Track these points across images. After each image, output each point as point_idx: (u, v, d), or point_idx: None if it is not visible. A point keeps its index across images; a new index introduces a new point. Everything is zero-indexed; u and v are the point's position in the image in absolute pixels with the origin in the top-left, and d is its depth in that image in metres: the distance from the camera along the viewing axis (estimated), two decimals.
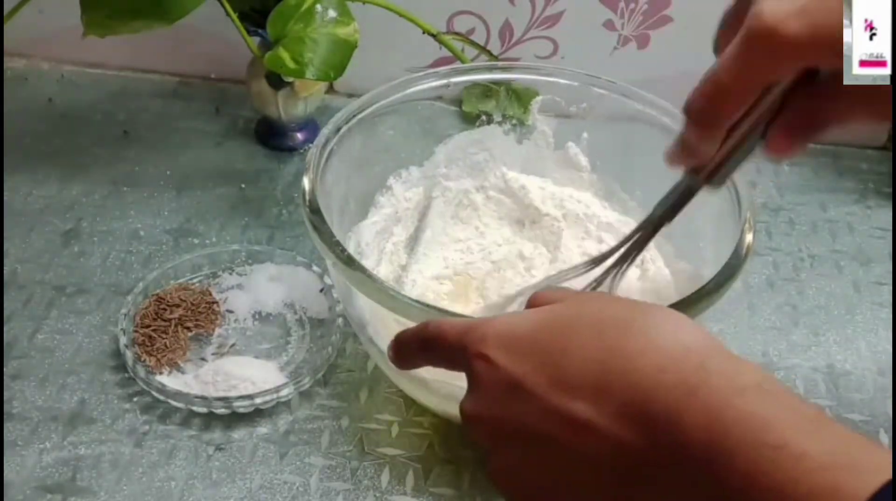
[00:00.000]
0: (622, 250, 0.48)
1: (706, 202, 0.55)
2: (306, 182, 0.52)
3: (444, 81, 0.61)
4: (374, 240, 0.61)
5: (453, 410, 0.52)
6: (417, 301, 0.45)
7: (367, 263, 0.57)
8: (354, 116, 0.57)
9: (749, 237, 0.50)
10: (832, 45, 0.35)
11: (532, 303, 0.38)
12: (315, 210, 0.51)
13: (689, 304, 0.46)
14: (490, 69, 0.67)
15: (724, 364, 0.31)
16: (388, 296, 0.46)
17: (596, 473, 0.32)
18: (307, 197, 0.51)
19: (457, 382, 0.47)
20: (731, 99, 0.38)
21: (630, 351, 0.31)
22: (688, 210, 0.59)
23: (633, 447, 0.30)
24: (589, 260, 0.50)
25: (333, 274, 0.55)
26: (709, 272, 0.49)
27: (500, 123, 0.65)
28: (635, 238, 0.48)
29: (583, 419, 0.31)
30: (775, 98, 0.39)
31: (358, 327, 0.55)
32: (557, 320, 0.34)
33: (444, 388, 0.51)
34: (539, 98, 0.63)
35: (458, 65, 0.72)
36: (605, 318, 0.33)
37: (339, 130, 0.56)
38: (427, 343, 0.38)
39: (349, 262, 0.48)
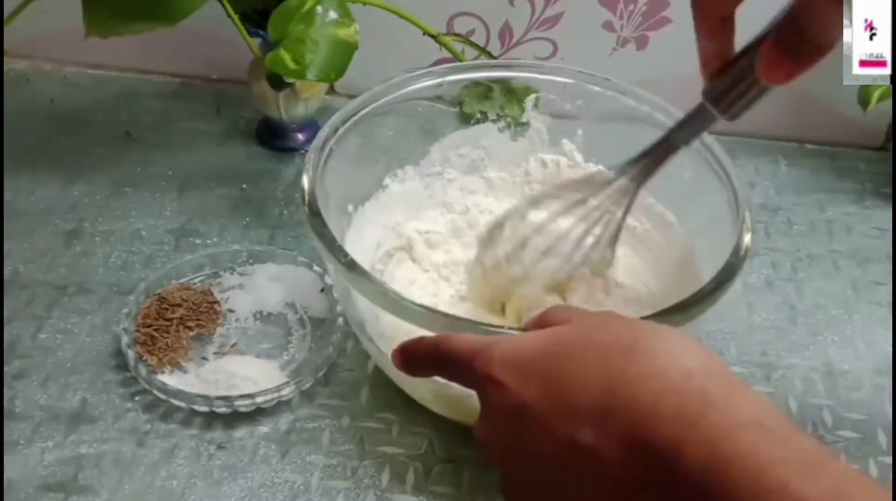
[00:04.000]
0: (633, 169, 0.48)
1: (705, 203, 0.56)
2: (306, 184, 0.52)
3: (438, 80, 0.61)
4: (373, 241, 0.62)
5: (453, 410, 0.53)
6: (418, 304, 0.46)
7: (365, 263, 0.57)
8: (351, 116, 0.57)
9: (747, 238, 0.50)
10: None
11: (540, 322, 0.38)
12: (315, 213, 0.51)
13: (689, 305, 0.46)
14: (486, 67, 0.67)
15: (724, 393, 0.31)
16: (389, 299, 0.46)
17: (601, 498, 0.32)
18: (307, 199, 0.51)
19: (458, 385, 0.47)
20: None
21: (632, 377, 0.32)
22: (689, 211, 0.59)
23: (635, 475, 0.31)
24: (600, 175, 0.50)
25: (333, 276, 0.55)
26: (708, 273, 0.49)
27: (494, 121, 0.65)
28: (646, 158, 0.48)
29: (586, 445, 0.31)
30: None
31: (358, 327, 0.55)
32: (563, 342, 0.35)
33: (445, 390, 0.51)
34: (534, 96, 0.63)
35: (454, 63, 0.72)
36: (609, 341, 0.33)
37: (336, 131, 0.56)
38: (441, 360, 0.39)
39: (350, 265, 0.48)
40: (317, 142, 0.55)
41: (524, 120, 0.64)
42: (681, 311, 0.45)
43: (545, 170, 0.65)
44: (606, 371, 0.32)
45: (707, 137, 0.56)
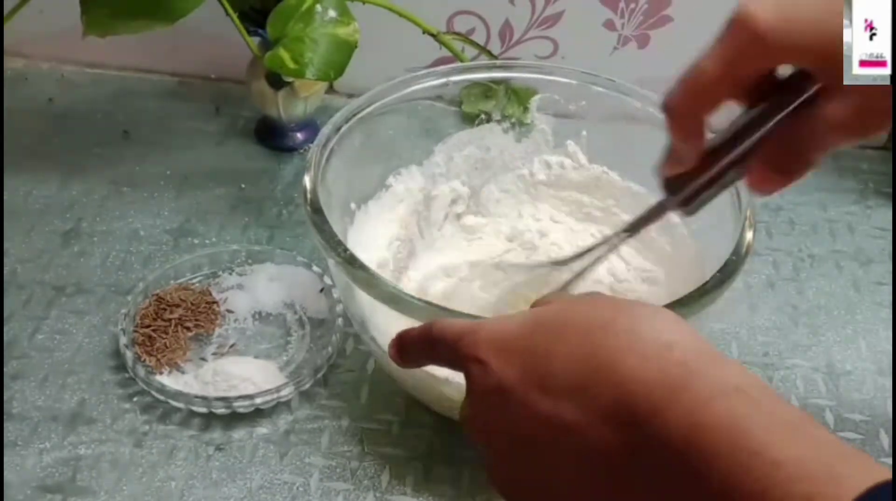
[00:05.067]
0: (585, 256, 0.50)
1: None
2: (307, 181, 0.52)
3: (443, 80, 0.61)
4: (374, 239, 0.61)
5: (455, 408, 0.53)
6: (420, 299, 0.45)
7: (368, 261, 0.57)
8: (354, 115, 0.57)
9: (749, 235, 0.50)
10: (804, 42, 0.36)
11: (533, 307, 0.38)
12: (317, 209, 0.51)
13: (691, 301, 0.46)
14: (489, 68, 0.66)
15: (706, 363, 0.31)
16: (390, 294, 0.46)
17: (585, 473, 0.32)
18: (308, 196, 0.51)
19: (458, 379, 0.47)
20: (709, 89, 0.39)
21: (613, 350, 0.32)
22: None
23: (618, 447, 0.31)
24: (551, 261, 0.52)
25: (335, 273, 0.55)
26: (709, 271, 0.49)
27: (499, 122, 0.65)
28: (597, 247, 0.49)
29: (568, 421, 0.31)
30: (758, 132, 0.40)
31: (359, 325, 0.55)
32: (546, 321, 0.35)
33: (446, 386, 0.51)
34: (538, 97, 0.63)
35: (457, 64, 0.72)
36: (592, 318, 0.33)
37: (339, 129, 0.56)
38: (432, 345, 0.39)
39: (351, 260, 0.48)
40: (319, 139, 0.55)
41: (528, 121, 0.64)
42: (682, 306, 0.45)
43: (549, 171, 0.65)
44: (586, 346, 0.32)
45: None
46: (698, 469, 0.28)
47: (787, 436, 0.28)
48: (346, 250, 0.48)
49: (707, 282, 0.47)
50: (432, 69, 0.62)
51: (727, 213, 0.53)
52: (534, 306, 0.38)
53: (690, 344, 0.32)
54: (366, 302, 0.51)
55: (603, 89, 0.60)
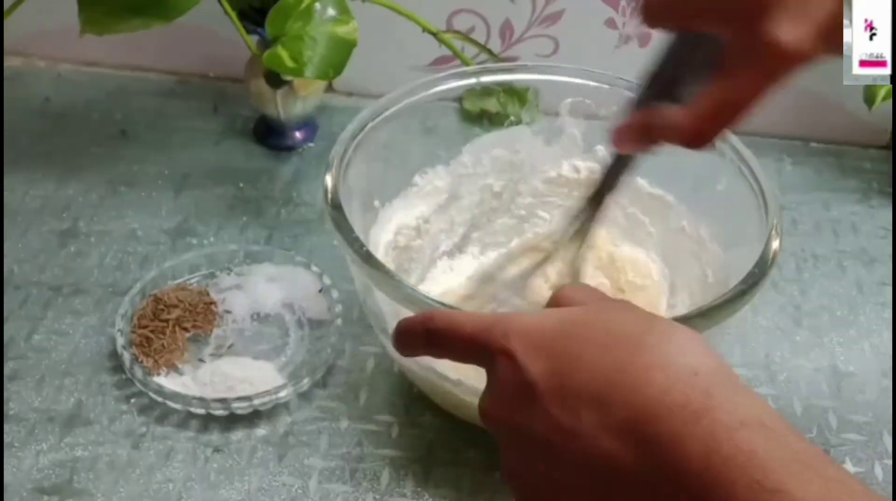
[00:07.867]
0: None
1: (733, 209, 0.55)
2: (329, 179, 0.52)
3: (473, 80, 0.60)
4: (396, 236, 0.61)
5: (463, 404, 0.52)
6: (433, 299, 0.45)
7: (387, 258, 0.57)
8: (379, 114, 0.57)
9: (776, 244, 0.49)
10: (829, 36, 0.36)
11: (556, 300, 0.38)
12: (336, 206, 0.50)
13: (716, 309, 0.46)
14: (516, 70, 0.65)
15: (729, 393, 0.31)
16: (405, 294, 0.46)
17: (595, 483, 0.32)
18: (329, 194, 0.51)
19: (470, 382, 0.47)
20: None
21: (637, 368, 0.32)
22: (716, 218, 0.58)
23: (633, 464, 0.31)
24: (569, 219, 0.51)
25: (352, 268, 0.55)
26: (735, 277, 0.48)
27: (528, 125, 0.64)
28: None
29: (584, 430, 0.32)
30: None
31: (376, 321, 0.54)
32: (574, 323, 0.35)
33: (458, 386, 0.50)
34: (569, 100, 0.62)
35: (489, 64, 0.71)
36: (618, 330, 0.34)
37: (364, 126, 0.56)
38: (434, 335, 0.38)
39: (366, 257, 0.48)
40: (344, 135, 0.55)
41: (537, 120, 0.64)
42: (711, 313, 0.45)
43: (578, 176, 0.65)
44: (612, 359, 0.32)
45: (737, 142, 0.55)
46: (717, 499, 0.28)
47: (808, 476, 0.28)
48: (362, 246, 0.48)
49: (733, 289, 0.46)
50: (461, 69, 0.61)
51: (753, 220, 0.52)
52: (558, 298, 0.38)
53: (714, 371, 0.32)
54: (383, 299, 0.51)
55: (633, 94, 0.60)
